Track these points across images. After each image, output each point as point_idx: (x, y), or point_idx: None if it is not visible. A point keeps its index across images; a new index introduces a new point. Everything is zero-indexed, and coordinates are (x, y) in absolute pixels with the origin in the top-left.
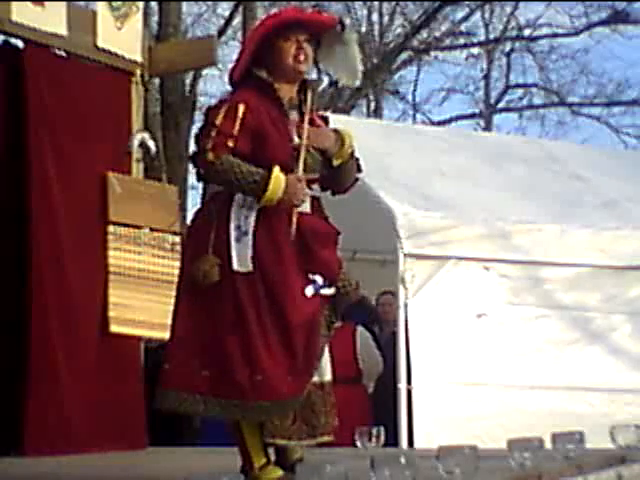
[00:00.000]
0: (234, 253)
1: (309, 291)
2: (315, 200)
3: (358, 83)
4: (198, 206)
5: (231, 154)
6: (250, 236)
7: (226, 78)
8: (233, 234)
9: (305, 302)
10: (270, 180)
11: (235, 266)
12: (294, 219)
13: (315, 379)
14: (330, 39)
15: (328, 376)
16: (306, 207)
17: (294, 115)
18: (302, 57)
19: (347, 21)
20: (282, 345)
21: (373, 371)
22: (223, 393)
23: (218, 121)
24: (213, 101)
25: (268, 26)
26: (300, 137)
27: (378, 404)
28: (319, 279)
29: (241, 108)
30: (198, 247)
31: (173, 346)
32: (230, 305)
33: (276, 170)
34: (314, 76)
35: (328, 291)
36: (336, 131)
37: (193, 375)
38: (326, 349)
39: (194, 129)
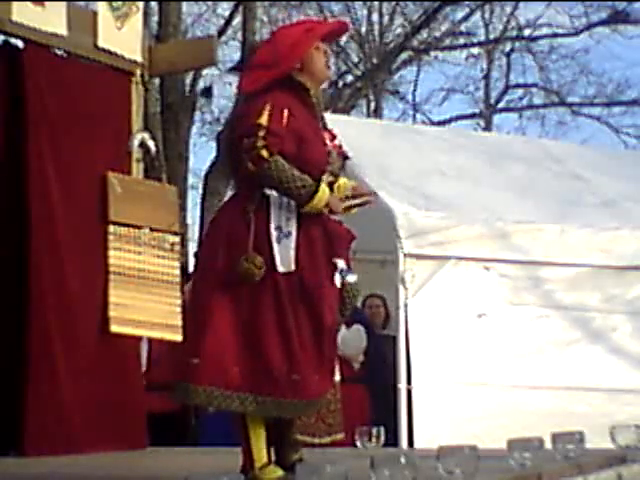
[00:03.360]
0: (277, 253)
1: (337, 279)
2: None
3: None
4: (200, 206)
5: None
6: (293, 237)
7: (226, 78)
8: (274, 234)
9: (333, 305)
10: (319, 190)
11: (278, 266)
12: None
13: None
14: None
15: (337, 376)
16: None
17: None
18: (330, 65)
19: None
20: (315, 346)
21: (355, 344)
22: (260, 390)
23: (264, 121)
24: (213, 101)
25: (315, 37)
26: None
27: (378, 404)
28: (342, 264)
29: (285, 111)
30: (235, 247)
31: (207, 342)
32: (271, 304)
33: (324, 182)
34: None
35: (352, 277)
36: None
37: (226, 371)
38: None
39: (194, 129)
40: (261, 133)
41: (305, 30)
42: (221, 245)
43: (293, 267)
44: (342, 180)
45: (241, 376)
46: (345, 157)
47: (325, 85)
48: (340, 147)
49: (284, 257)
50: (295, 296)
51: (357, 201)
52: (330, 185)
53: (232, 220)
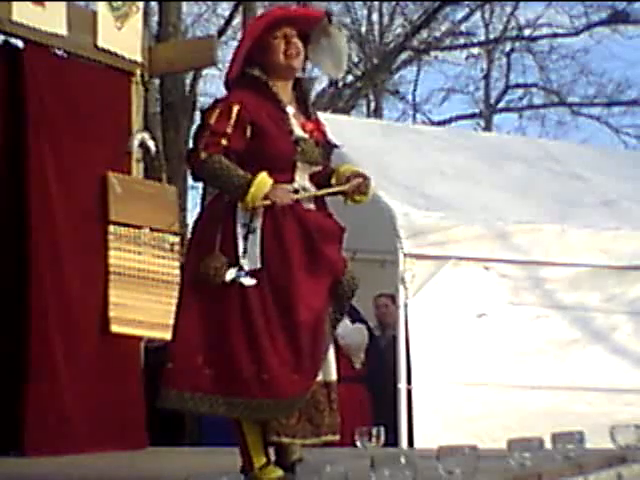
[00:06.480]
0: (241, 251)
1: (229, 276)
2: (319, 199)
3: (341, 76)
4: (200, 206)
5: (224, 153)
6: (258, 234)
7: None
8: (240, 232)
9: (311, 300)
10: (250, 187)
11: (243, 264)
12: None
13: (320, 378)
14: (317, 33)
15: (333, 376)
16: (310, 205)
17: (292, 110)
18: (292, 51)
19: (335, 19)
20: (288, 343)
21: (356, 340)
22: (229, 391)
23: (212, 121)
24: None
25: (257, 26)
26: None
27: (378, 404)
28: (246, 265)
29: (235, 108)
30: (204, 246)
31: (176, 345)
32: (237, 303)
33: (262, 174)
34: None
35: (249, 281)
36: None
37: (197, 374)
38: (331, 348)
39: (194, 129)
40: (206, 134)
41: (251, 26)
42: (193, 247)
43: (258, 264)
44: (344, 167)
45: (211, 378)
46: (332, 146)
47: (325, 84)
48: (324, 135)
49: (250, 254)
50: (264, 293)
51: (333, 189)
52: (312, 175)
53: (204, 221)
